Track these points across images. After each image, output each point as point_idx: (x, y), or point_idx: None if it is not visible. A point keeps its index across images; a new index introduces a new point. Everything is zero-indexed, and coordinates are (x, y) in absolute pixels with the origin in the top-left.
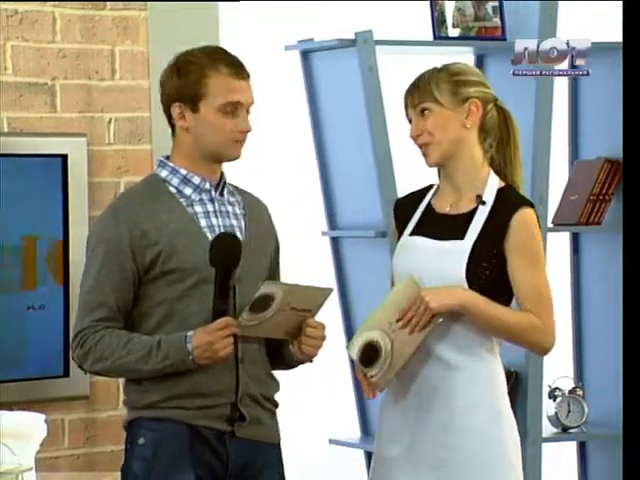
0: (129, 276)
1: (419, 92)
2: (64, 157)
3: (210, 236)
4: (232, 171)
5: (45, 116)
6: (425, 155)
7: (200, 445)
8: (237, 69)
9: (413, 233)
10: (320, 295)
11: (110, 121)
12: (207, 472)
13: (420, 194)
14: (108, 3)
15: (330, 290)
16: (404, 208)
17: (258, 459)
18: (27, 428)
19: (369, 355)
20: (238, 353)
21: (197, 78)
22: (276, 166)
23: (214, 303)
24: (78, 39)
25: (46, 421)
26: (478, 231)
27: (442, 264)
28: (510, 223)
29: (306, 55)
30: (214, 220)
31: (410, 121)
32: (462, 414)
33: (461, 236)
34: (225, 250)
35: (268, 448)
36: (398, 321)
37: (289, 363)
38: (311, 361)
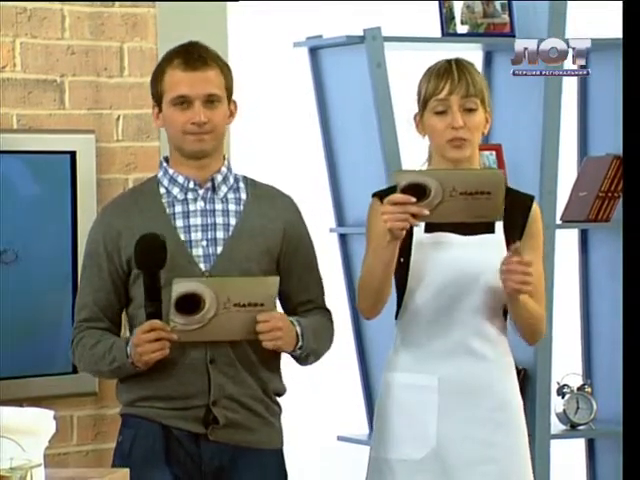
0: (107, 277)
1: (473, 84)
2: (73, 154)
3: (184, 237)
4: (240, 168)
5: (54, 113)
6: (459, 147)
7: (174, 445)
8: (187, 60)
9: (429, 230)
10: (265, 286)
11: (118, 118)
12: (183, 472)
13: None
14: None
15: (275, 279)
16: None
17: (238, 464)
18: (36, 424)
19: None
20: (207, 355)
21: (157, 76)
22: (284, 163)
23: (144, 306)
24: (87, 36)
25: (55, 417)
26: (502, 224)
27: (486, 257)
28: (529, 215)
29: (314, 52)
30: (192, 220)
31: (424, 101)
32: (498, 409)
33: (490, 230)
34: (147, 251)
35: (255, 453)
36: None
37: (297, 358)
38: (295, 351)
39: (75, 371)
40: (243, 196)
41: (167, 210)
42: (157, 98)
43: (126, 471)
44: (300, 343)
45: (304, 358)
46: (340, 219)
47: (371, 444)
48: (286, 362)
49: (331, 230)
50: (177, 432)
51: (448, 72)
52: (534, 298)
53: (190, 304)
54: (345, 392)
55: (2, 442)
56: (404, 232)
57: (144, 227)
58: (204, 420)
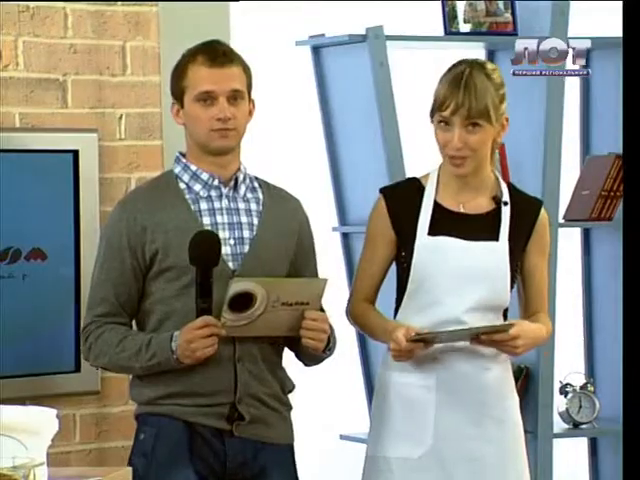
0: (130, 272)
1: (477, 107)
2: (75, 153)
3: None
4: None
5: (56, 112)
6: (458, 165)
7: (198, 442)
8: (212, 57)
9: (433, 233)
10: (314, 286)
11: (121, 117)
12: (206, 468)
13: (410, 188)
14: None
15: (324, 280)
16: (399, 200)
17: (260, 459)
18: (39, 423)
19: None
20: (235, 353)
21: (180, 73)
22: (286, 162)
23: (196, 302)
24: (89, 35)
25: (57, 416)
26: (507, 231)
27: (488, 262)
28: (536, 223)
29: (317, 51)
30: (219, 218)
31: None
32: (494, 407)
33: (494, 237)
34: (203, 248)
35: (273, 448)
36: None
37: (314, 357)
38: (324, 352)
39: (78, 369)
40: (260, 196)
41: (192, 207)
42: (178, 95)
43: (129, 469)
44: (329, 346)
45: (317, 360)
46: (342, 218)
47: (368, 442)
48: (288, 361)
49: (334, 229)
50: (201, 429)
51: (456, 89)
52: (538, 306)
53: (242, 302)
54: (347, 391)
55: (5, 441)
56: None
57: (172, 223)
58: (228, 417)
